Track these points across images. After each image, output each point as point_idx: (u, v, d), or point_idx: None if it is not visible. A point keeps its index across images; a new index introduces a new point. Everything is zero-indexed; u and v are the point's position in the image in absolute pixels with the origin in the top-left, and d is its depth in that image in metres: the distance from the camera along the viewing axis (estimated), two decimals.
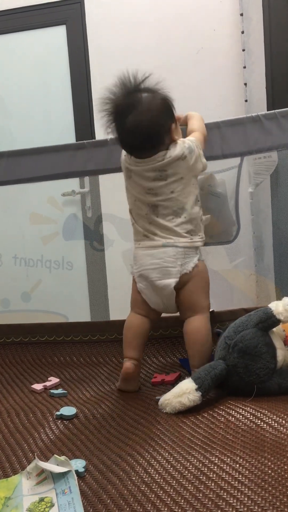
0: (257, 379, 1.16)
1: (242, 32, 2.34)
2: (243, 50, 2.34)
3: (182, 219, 1.34)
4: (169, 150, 1.32)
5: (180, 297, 1.36)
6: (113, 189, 1.49)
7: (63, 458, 0.91)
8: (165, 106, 1.31)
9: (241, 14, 2.34)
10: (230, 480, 0.83)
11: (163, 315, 1.47)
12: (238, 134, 1.51)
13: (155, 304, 1.39)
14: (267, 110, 2.02)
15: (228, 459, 0.90)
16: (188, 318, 1.37)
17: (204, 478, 0.85)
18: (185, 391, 1.13)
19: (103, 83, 2.58)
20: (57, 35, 2.61)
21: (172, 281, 1.33)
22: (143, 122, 1.28)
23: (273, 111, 1.49)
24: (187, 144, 1.34)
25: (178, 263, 1.33)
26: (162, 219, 1.35)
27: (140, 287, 1.39)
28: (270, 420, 1.04)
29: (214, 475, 0.85)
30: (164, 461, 0.93)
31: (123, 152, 1.40)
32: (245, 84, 2.34)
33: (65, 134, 2.62)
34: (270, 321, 1.20)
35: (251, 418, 1.06)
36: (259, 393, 1.15)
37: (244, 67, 2.34)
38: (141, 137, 1.29)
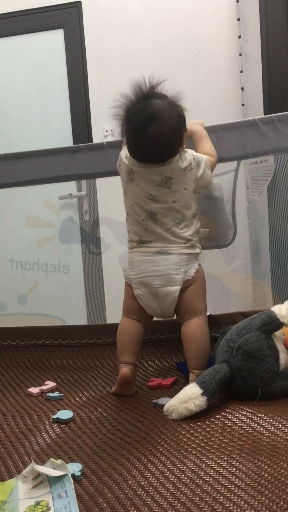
0: (261, 382, 1.16)
1: (239, 37, 2.36)
2: (240, 54, 2.35)
3: (180, 231, 1.33)
4: (178, 157, 1.32)
5: (180, 302, 1.36)
6: (111, 193, 1.49)
7: (59, 461, 0.91)
8: (181, 116, 1.31)
9: (238, 19, 2.35)
10: (227, 484, 0.83)
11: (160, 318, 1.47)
12: (235, 138, 1.51)
13: (152, 310, 1.39)
14: (264, 114, 2.03)
15: (225, 463, 0.90)
16: (187, 321, 1.37)
17: (201, 481, 0.85)
18: (190, 397, 1.12)
19: (100, 87, 2.60)
20: (55, 39, 2.62)
21: (176, 289, 1.33)
22: (163, 135, 1.26)
23: (269, 115, 1.50)
24: (196, 157, 1.35)
25: (181, 270, 1.33)
26: (160, 227, 1.34)
27: (138, 293, 1.37)
28: (266, 424, 1.04)
29: (211, 479, 0.85)
30: (161, 465, 0.93)
31: (123, 154, 1.39)
32: (242, 88, 2.35)
33: (63, 137, 2.63)
34: (274, 324, 1.20)
35: (248, 422, 1.06)
36: (262, 396, 1.15)
37: (241, 72, 2.35)
38: (159, 148, 1.28)
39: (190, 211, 1.35)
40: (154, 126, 1.25)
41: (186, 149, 1.35)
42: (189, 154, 1.35)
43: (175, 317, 1.42)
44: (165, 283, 1.33)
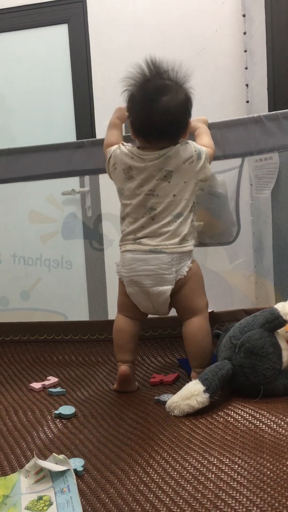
0: (263, 379, 1.16)
1: (244, 33, 2.35)
2: (245, 51, 2.34)
3: (177, 225, 1.31)
4: (179, 147, 1.31)
5: (177, 301, 1.34)
6: (113, 189, 1.48)
7: (61, 456, 0.91)
8: (189, 98, 1.31)
9: (243, 15, 2.34)
10: (229, 481, 0.83)
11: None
12: (239, 134, 1.51)
13: (145, 308, 1.38)
14: (268, 111, 2.03)
15: (227, 460, 0.90)
16: (187, 320, 1.35)
17: (203, 478, 0.85)
18: (193, 393, 1.12)
19: (104, 82, 2.59)
20: (59, 34, 2.61)
21: (168, 288, 1.31)
22: (175, 107, 1.26)
23: (274, 112, 1.49)
24: (197, 149, 1.33)
25: (173, 269, 1.30)
26: (158, 223, 1.31)
27: (130, 291, 1.35)
28: (269, 421, 1.04)
29: (213, 476, 0.85)
30: (163, 461, 0.93)
31: (117, 151, 1.36)
32: (247, 85, 2.34)
33: (66, 133, 2.62)
34: (277, 321, 1.20)
35: (250, 419, 1.06)
36: (265, 394, 1.15)
37: (246, 68, 2.34)
38: (169, 120, 1.27)
39: (188, 206, 1.33)
40: (166, 96, 1.26)
41: (187, 141, 1.34)
42: (190, 145, 1.33)
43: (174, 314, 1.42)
44: (156, 282, 1.31)
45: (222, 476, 0.85)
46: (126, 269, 1.35)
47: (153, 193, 1.31)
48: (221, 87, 2.40)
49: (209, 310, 1.59)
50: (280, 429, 1.00)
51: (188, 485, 0.84)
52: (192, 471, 0.88)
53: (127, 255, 1.34)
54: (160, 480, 0.86)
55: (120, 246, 1.38)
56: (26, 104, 2.67)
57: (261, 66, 2.26)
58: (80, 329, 1.77)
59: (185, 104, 1.30)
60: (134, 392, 1.35)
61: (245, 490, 0.80)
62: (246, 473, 0.85)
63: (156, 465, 0.92)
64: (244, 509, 0.76)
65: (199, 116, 1.49)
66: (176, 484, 0.84)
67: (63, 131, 2.64)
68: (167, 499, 0.80)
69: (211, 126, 1.49)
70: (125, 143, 1.39)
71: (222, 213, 1.53)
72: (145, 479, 0.87)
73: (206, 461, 0.90)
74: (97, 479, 0.89)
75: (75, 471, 0.90)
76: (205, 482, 0.84)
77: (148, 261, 1.31)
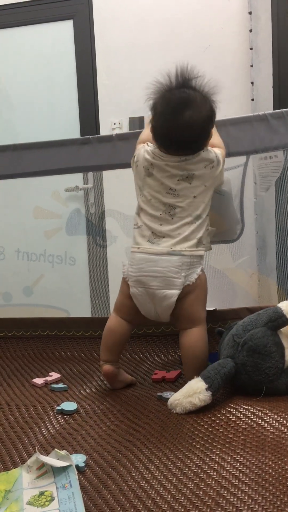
0: (266, 378, 1.16)
1: (250, 31, 2.34)
2: (251, 48, 2.33)
3: (195, 226, 1.30)
4: (201, 152, 1.30)
5: (178, 308, 1.31)
6: (117, 185, 1.48)
7: (63, 452, 0.91)
8: (214, 111, 1.29)
9: (250, 13, 2.33)
10: (231, 478, 0.83)
11: None
12: (244, 132, 1.51)
13: (146, 312, 1.35)
14: (274, 109, 2.02)
15: (229, 458, 0.90)
16: (186, 330, 1.32)
17: (205, 475, 0.85)
18: (195, 391, 1.12)
19: (109, 80, 2.58)
20: (64, 30, 2.60)
21: (175, 293, 1.28)
22: (198, 122, 1.25)
23: (280, 110, 1.49)
24: (217, 155, 1.33)
25: (182, 274, 1.28)
26: (177, 222, 1.30)
27: (134, 292, 1.33)
28: (271, 419, 1.04)
29: (215, 473, 0.86)
30: (165, 458, 0.93)
31: (141, 150, 1.35)
32: (252, 82, 2.33)
33: (70, 129, 2.62)
34: (280, 320, 1.19)
35: (252, 417, 1.06)
36: (267, 392, 1.15)
37: (252, 66, 2.33)
38: (192, 135, 1.26)
39: (206, 210, 1.32)
40: (191, 111, 1.24)
41: (208, 147, 1.33)
42: (211, 152, 1.32)
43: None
44: (163, 285, 1.29)
45: (224, 474, 0.85)
46: (135, 268, 1.32)
47: (174, 192, 1.30)
48: (226, 84, 2.39)
49: (212, 308, 1.60)
50: (282, 428, 1.00)
51: (190, 482, 0.84)
52: (193, 468, 0.88)
53: (139, 255, 1.32)
54: (162, 477, 0.86)
55: (134, 245, 1.35)
56: (30, 100, 2.66)
57: (266, 64, 2.25)
58: (82, 325, 1.78)
59: (209, 118, 1.28)
60: (136, 388, 1.35)
61: (246, 488, 0.80)
62: (247, 471, 0.85)
63: (158, 461, 0.92)
64: (245, 507, 0.76)
65: None
66: (178, 481, 0.84)
67: (67, 127, 2.64)
68: (169, 496, 0.81)
69: (217, 124, 1.48)
70: (149, 143, 1.37)
71: (226, 211, 1.52)
72: (146, 475, 0.87)
73: (207, 459, 0.91)
74: (98, 475, 0.89)
75: (77, 467, 0.90)
76: (207, 480, 0.84)
77: (158, 263, 1.29)
